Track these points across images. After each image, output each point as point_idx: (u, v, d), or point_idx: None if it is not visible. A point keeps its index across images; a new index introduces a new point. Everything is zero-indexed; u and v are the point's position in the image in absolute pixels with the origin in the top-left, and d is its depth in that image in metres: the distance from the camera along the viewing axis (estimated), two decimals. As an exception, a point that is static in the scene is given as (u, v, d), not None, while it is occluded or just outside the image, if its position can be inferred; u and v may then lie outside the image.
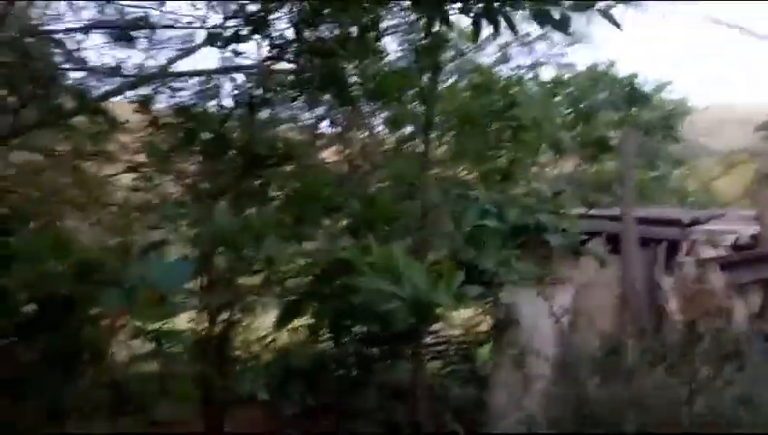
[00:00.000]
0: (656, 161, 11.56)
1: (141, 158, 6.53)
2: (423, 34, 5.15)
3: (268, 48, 4.78)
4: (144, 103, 6.18)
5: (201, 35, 6.43)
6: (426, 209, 4.97)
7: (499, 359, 6.65)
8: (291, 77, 4.99)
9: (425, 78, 5.26)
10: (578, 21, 10.39)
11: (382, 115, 6.74)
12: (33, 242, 6.03)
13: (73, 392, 6.23)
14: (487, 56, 10.21)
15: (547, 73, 11.67)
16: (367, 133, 9.38)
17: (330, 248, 3.16)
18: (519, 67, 10.48)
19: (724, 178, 15.14)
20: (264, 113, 5.75)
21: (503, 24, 4.20)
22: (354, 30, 4.58)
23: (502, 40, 10.55)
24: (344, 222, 4.42)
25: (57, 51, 6.24)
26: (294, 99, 5.29)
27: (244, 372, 6.99)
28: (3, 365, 6.46)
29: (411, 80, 5.29)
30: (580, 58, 15.38)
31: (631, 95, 11.70)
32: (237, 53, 4.91)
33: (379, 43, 5.14)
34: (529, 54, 10.96)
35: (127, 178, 7.74)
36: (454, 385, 7.24)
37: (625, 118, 11.20)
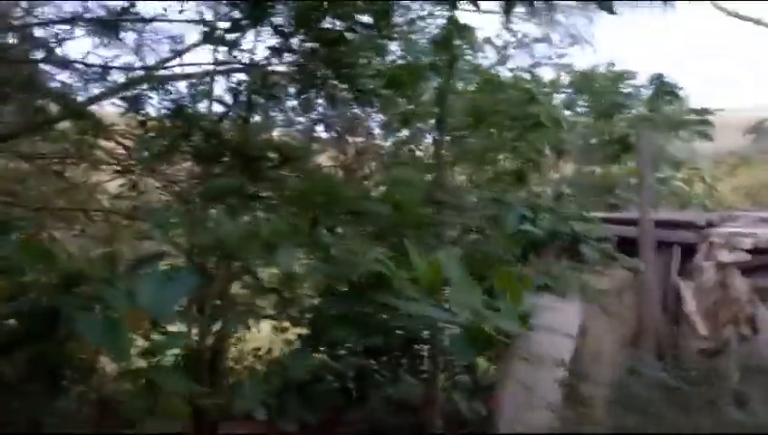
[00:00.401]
0: (659, 162, 11.33)
1: (130, 163, 6.23)
2: (444, 22, 4.84)
3: (271, 35, 4.44)
4: (133, 106, 5.86)
5: (193, 33, 6.18)
6: (459, 213, 4.57)
7: (508, 370, 6.34)
8: (293, 68, 4.65)
9: (438, 72, 4.95)
10: (579, 20, 10.30)
11: (387, 113, 6.40)
12: (15, 252, 5.72)
13: (59, 408, 5.93)
14: (485, 58, 10.02)
15: (546, 75, 11.52)
16: (364, 137, 9.13)
17: (357, 260, 2.69)
18: (519, 68, 10.28)
19: (722, 180, 15.02)
20: (259, 115, 5.46)
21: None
22: (364, 18, 4.27)
23: (500, 41, 10.40)
24: (364, 229, 3.94)
25: (39, 50, 5.93)
26: (299, 93, 4.94)
27: (237, 385, 6.69)
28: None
29: (425, 73, 4.94)
30: (582, 59, 15.21)
31: (659, 92, 11.50)
32: (234, 46, 4.58)
33: (393, 34, 4.83)
34: (528, 55, 10.80)
35: (114, 185, 7.43)
36: (460, 397, 6.94)
37: (647, 116, 10.96)
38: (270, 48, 4.47)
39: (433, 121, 6.40)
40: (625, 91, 11.79)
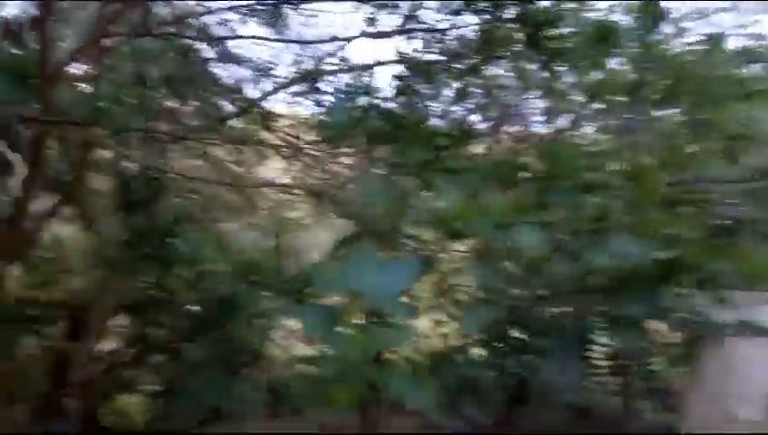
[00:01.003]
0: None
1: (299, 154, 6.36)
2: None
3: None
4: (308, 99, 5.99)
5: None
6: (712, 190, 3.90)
7: (698, 378, 5.64)
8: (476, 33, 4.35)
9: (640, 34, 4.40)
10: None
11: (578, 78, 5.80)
12: (196, 244, 6.05)
13: (232, 393, 6.20)
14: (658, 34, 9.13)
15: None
16: (521, 126, 8.69)
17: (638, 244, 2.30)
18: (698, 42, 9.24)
19: None
20: (424, 100, 5.28)
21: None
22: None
23: (676, 14, 9.43)
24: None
25: (214, 49, 6.22)
26: (483, 61, 4.58)
27: (397, 376, 6.58)
28: (167, 365, 6.60)
29: (624, 33, 4.40)
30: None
31: None
32: (412, 17, 4.37)
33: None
34: (708, 26, 9.73)
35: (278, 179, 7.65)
36: (646, 405, 6.33)
37: None
38: (452, 12, 4.19)
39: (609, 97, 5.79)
40: None
